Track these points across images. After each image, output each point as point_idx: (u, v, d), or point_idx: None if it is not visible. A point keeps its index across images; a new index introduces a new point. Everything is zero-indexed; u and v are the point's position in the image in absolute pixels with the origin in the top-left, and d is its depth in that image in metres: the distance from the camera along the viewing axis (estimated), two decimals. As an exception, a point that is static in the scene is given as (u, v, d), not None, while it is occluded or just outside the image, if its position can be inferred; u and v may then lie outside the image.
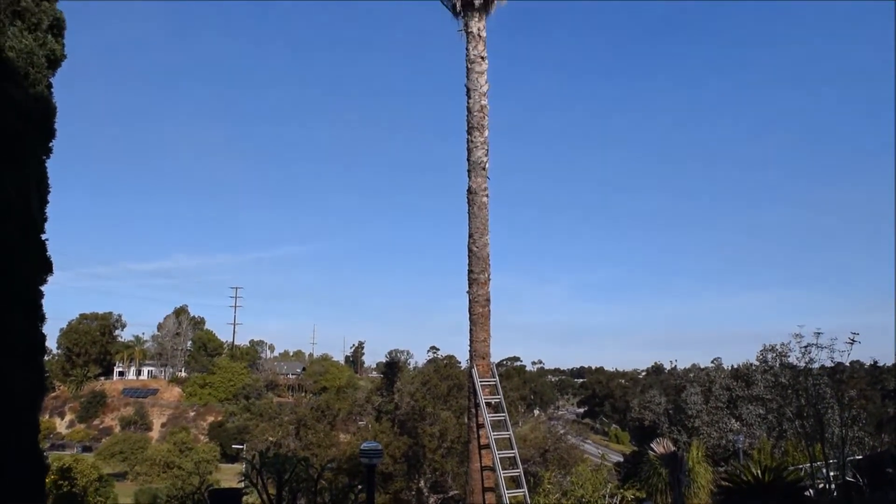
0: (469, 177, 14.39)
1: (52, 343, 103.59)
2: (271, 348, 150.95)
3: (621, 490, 20.19)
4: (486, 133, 14.51)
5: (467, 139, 14.49)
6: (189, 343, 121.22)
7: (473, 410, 13.99)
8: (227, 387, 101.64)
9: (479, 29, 14.65)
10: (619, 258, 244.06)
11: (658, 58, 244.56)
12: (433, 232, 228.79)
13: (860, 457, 18.38)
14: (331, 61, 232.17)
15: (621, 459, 45.72)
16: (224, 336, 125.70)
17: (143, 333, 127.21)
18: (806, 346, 16.23)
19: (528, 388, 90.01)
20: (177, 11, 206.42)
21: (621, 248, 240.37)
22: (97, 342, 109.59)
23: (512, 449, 13.62)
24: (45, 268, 9.25)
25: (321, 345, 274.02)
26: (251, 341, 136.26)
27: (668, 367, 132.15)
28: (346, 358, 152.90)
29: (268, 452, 13.14)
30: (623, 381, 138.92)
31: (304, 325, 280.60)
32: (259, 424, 56.45)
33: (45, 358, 10.84)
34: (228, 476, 61.75)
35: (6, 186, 8.52)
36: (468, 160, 14.44)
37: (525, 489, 13.35)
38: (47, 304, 9.38)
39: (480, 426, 13.68)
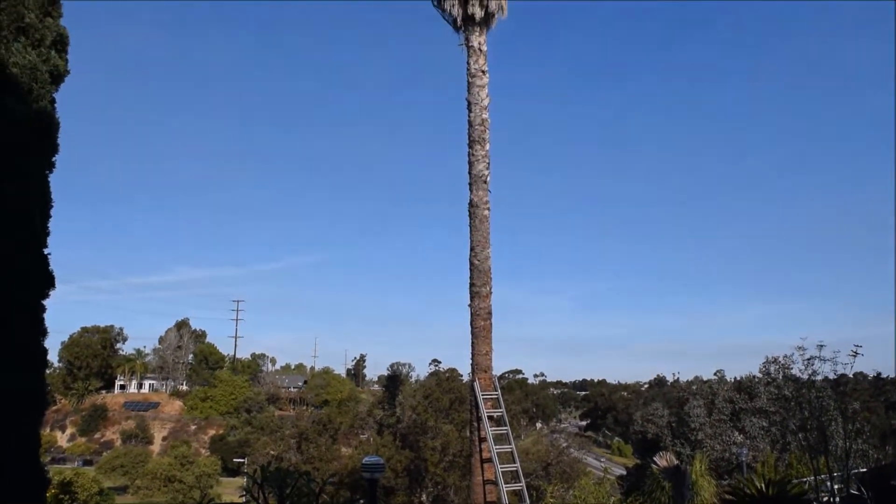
0: (470, 190, 14.42)
1: (53, 356, 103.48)
2: (273, 361, 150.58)
3: (624, 504, 20.08)
4: (488, 146, 14.55)
5: (468, 152, 14.53)
6: (190, 356, 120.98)
7: (475, 424, 13.95)
8: (229, 400, 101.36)
9: (479, 43, 14.74)
10: (621, 270, 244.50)
11: (662, 68, 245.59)
12: (435, 244, 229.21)
13: (864, 470, 18.28)
14: (333, 75, 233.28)
15: (624, 473, 45.51)
16: (225, 349, 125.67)
17: (145, 347, 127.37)
18: (809, 359, 16.19)
19: (530, 400, 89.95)
20: (178, 18, 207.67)
21: (624, 259, 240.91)
22: (98, 355, 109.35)
23: (514, 463, 13.56)
24: (47, 282, 9.26)
25: (323, 358, 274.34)
26: (252, 354, 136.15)
27: (670, 379, 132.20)
28: (348, 371, 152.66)
29: (269, 466, 13.10)
30: (626, 393, 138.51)
31: (306, 338, 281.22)
32: (260, 438, 56.38)
33: (47, 371, 10.84)
34: (230, 490, 61.65)
35: (9, 201, 8.56)
36: (469, 173, 14.48)
37: (528, 503, 13.28)
38: (49, 317, 9.40)
39: (482, 440, 13.63)
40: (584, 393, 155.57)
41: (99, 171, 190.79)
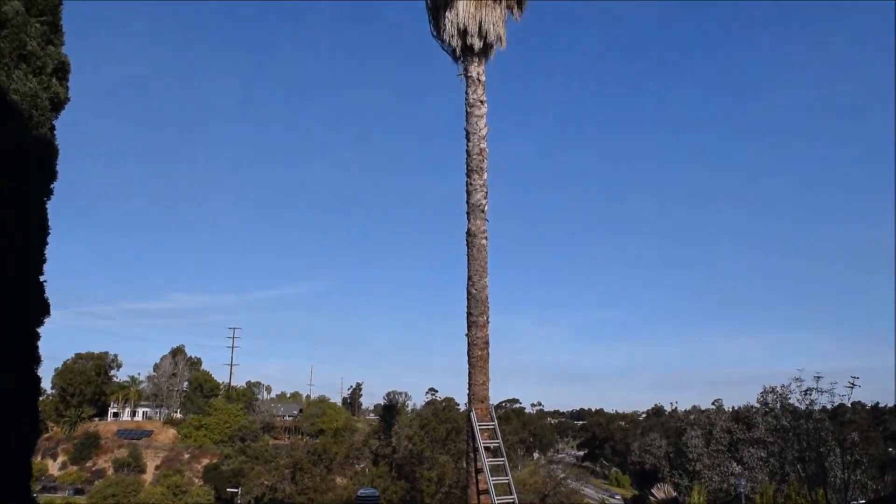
0: (468, 219, 14.42)
1: (46, 383, 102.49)
2: (268, 389, 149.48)
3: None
4: (486, 176, 14.59)
5: (466, 182, 14.56)
6: (185, 384, 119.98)
7: (472, 455, 13.82)
8: (223, 428, 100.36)
9: (478, 73, 14.85)
10: (619, 300, 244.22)
11: (660, 99, 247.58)
12: (433, 273, 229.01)
13: (863, 501, 18.15)
14: (331, 104, 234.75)
15: (622, 504, 45.03)
16: (221, 377, 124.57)
17: (139, 374, 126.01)
18: (806, 390, 16.16)
19: (527, 430, 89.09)
20: (178, 49, 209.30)
21: (622, 289, 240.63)
22: (92, 382, 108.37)
23: (511, 494, 13.40)
24: (43, 309, 9.25)
25: (318, 386, 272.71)
26: (248, 382, 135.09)
27: (668, 408, 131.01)
28: (344, 400, 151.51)
29: (263, 497, 12.94)
30: (623, 423, 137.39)
31: (302, 366, 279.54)
32: (255, 468, 55.58)
33: (40, 398, 10.76)
34: (223, 520, 60.73)
35: (7, 228, 8.55)
36: (467, 202, 14.49)
37: (525, 535, 13.12)
38: (43, 343, 9.36)
39: (479, 471, 13.49)
40: (581, 422, 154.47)
41: (95, 196, 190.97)
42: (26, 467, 9.03)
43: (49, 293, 9.47)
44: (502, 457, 13.95)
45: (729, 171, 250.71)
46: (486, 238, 14.38)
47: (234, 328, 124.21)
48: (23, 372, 8.88)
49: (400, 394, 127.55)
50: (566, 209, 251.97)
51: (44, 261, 9.54)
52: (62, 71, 10.18)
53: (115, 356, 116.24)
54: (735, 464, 37.93)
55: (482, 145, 14.60)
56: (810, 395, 16.18)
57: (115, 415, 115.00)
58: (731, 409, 46.65)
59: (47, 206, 9.72)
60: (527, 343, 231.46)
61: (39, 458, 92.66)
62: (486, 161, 14.62)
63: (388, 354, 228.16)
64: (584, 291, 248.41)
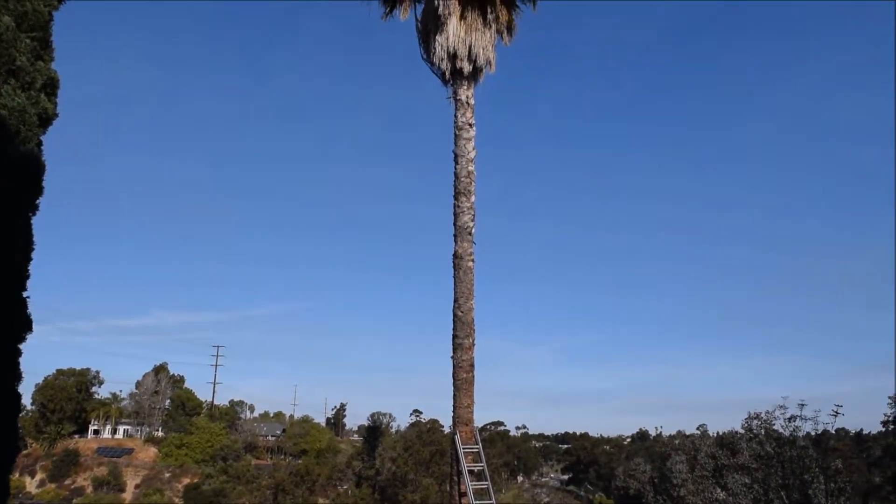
0: (455, 241, 14.45)
1: (26, 399, 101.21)
2: (251, 409, 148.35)
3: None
4: (473, 198, 14.64)
5: (454, 204, 14.60)
6: (167, 402, 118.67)
7: (456, 478, 13.73)
8: (205, 448, 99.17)
9: (467, 97, 14.96)
10: (604, 323, 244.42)
11: (648, 122, 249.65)
12: (418, 294, 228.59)
13: (847, 530, 18.13)
14: (319, 124, 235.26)
15: (606, 530, 44.80)
16: (204, 395, 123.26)
17: (121, 391, 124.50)
18: (790, 418, 16.19)
19: (511, 453, 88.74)
20: (166, 68, 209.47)
21: (607, 313, 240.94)
22: (73, 399, 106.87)
23: (494, 518, 13.33)
24: (25, 326, 9.15)
25: (302, 406, 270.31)
26: (231, 401, 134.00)
27: (653, 433, 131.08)
28: (328, 420, 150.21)
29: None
30: (608, 447, 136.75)
31: (286, 385, 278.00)
32: (236, 488, 55.05)
33: (20, 414, 10.62)
34: (202, 541, 59.91)
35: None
36: (455, 225, 14.53)
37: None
38: (24, 359, 9.26)
39: (462, 494, 13.40)
40: (566, 446, 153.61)
41: (79, 212, 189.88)
42: (4, 484, 8.90)
43: (31, 308, 9.41)
44: (486, 480, 13.87)
45: (713, 196, 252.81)
46: (472, 260, 14.40)
47: (218, 346, 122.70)
48: (3, 388, 8.78)
49: (384, 415, 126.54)
50: (552, 232, 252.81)
51: (27, 276, 9.47)
52: (51, 86, 10.17)
53: (97, 372, 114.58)
54: (719, 490, 37.78)
55: (470, 168, 14.67)
56: (794, 421, 16.20)
57: (96, 432, 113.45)
58: (715, 435, 46.60)
59: (32, 221, 9.68)
60: (512, 365, 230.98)
61: (17, 475, 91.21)
62: (473, 184, 14.69)
63: (372, 375, 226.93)
64: (570, 314, 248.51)
